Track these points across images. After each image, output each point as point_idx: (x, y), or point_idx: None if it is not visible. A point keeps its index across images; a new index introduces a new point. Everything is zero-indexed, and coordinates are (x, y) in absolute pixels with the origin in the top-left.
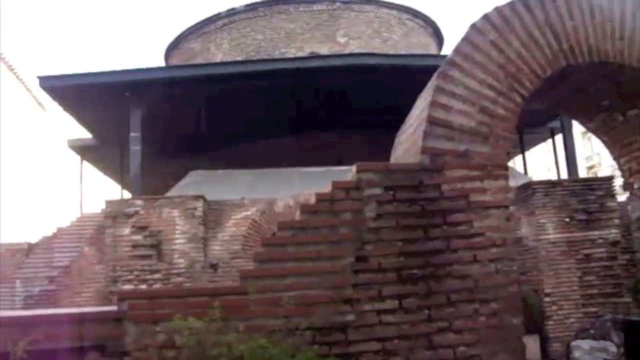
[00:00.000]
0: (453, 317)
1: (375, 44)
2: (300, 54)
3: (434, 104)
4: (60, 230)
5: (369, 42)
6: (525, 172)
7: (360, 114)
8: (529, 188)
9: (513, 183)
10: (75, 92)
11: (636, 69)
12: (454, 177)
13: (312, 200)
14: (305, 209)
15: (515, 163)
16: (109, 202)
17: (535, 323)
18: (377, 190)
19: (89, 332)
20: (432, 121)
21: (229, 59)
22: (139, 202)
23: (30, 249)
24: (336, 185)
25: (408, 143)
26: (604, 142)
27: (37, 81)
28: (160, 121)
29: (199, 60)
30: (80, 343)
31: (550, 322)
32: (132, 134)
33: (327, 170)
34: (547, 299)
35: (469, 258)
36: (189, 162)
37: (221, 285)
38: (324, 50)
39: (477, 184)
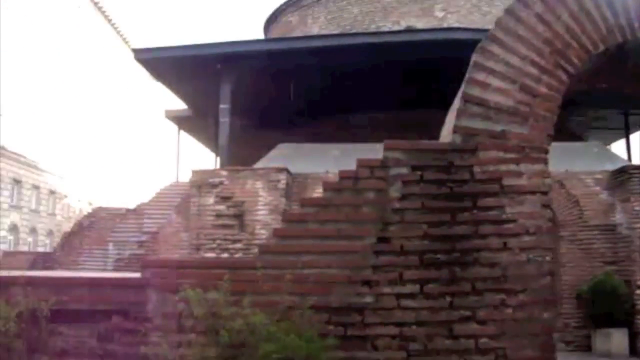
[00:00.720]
0: (477, 306)
1: (474, 18)
2: (396, 28)
3: (470, 81)
4: (152, 197)
5: (467, 16)
6: (629, 157)
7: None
8: (625, 172)
9: (610, 167)
10: (168, 65)
11: None
12: (488, 159)
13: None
14: (328, 186)
15: (615, 146)
16: (195, 172)
17: (625, 316)
18: (404, 170)
19: (113, 297)
20: (467, 99)
21: (325, 32)
22: (223, 172)
23: (127, 214)
24: (361, 163)
25: (449, 123)
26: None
27: (133, 54)
28: (254, 94)
29: (296, 33)
30: (104, 306)
31: None
32: (222, 106)
33: None
34: (638, 291)
35: (498, 245)
36: (282, 134)
37: (242, 258)
38: (420, 24)
39: (513, 167)
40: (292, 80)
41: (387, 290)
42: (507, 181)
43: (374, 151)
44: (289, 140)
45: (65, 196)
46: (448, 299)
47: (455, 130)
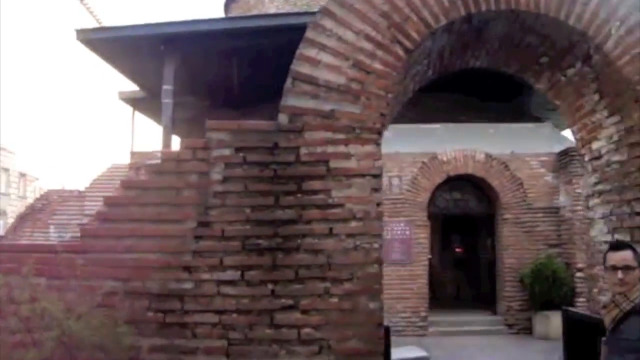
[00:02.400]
0: (300, 294)
1: None
2: None
3: (299, 57)
4: (93, 179)
5: None
6: None
7: None
8: (567, 155)
9: (557, 149)
10: (113, 45)
11: (555, 21)
12: (314, 140)
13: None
14: (151, 168)
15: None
16: (133, 154)
17: (564, 299)
18: (227, 152)
19: None
20: (295, 76)
21: (281, 12)
22: (160, 154)
23: (80, 196)
24: (184, 145)
25: None
26: (558, 107)
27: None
28: (209, 74)
29: (253, 13)
30: None
31: (581, 299)
32: (165, 87)
33: None
34: (578, 274)
35: (323, 231)
36: (241, 115)
37: (62, 243)
38: None
39: (341, 148)
40: (239, 62)
41: (207, 276)
42: (334, 163)
43: None
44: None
45: (37, 179)
46: (270, 286)
47: (282, 109)
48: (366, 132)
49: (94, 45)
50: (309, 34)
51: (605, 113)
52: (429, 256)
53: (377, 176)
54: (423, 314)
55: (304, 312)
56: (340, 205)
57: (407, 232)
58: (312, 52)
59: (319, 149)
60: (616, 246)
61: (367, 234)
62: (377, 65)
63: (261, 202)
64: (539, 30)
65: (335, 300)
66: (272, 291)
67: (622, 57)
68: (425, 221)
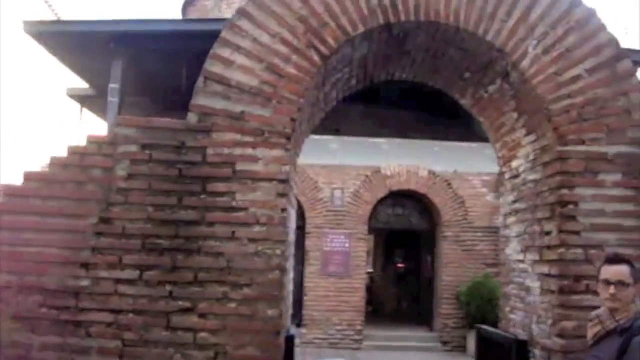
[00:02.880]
0: (198, 298)
1: None
2: None
3: (213, 57)
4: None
5: None
6: None
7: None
8: None
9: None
10: (62, 40)
11: (475, 36)
12: (222, 142)
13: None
14: (55, 161)
15: None
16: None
17: (497, 317)
18: (133, 148)
19: None
20: (207, 76)
21: None
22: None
23: None
24: (90, 139)
25: None
26: (482, 124)
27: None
28: (158, 75)
29: (210, 17)
30: None
31: None
32: (112, 85)
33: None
34: None
35: (225, 234)
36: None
37: None
38: None
39: (249, 151)
40: (186, 64)
41: (105, 274)
42: (240, 166)
43: None
44: None
45: None
46: (168, 288)
47: (192, 108)
48: (275, 136)
49: (42, 38)
50: (225, 34)
51: (523, 132)
52: (370, 270)
53: (284, 181)
54: (359, 327)
55: (202, 316)
56: (245, 209)
57: (347, 245)
58: (226, 53)
59: (226, 151)
60: (612, 260)
61: (270, 240)
62: (291, 70)
63: (164, 201)
64: (460, 45)
65: (233, 305)
66: (170, 293)
67: (537, 76)
68: (366, 235)
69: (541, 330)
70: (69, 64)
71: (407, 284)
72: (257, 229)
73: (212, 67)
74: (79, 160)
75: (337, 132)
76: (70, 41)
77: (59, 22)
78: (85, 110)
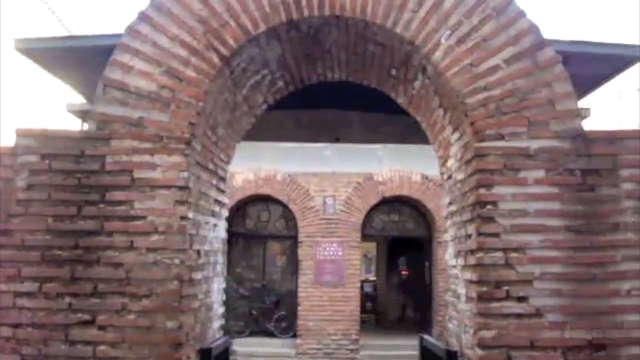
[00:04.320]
0: (98, 309)
1: None
2: None
3: (112, 63)
4: None
5: None
6: None
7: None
8: None
9: None
10: (54, 56)
11: (384, 28)
12: (121, 149)
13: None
14: None
15: None
16: None
17: None
18: (33, 158)
19: None
20: (106, 83)
21: None
22: None
23: None
24: None
25: None
26: (420, 123)
27: (13, 44)
28: None
29: None
30: None
31: None
32: None
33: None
34: None
35: (124, 244)
36: None
37: None
38: None
39: (147, 158)
40: None
41: (4, 287)
42: (138, 173)
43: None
44: None
45: None
46: (67, 300)
47: (91, 116)
48: (174, 141)
49: (35, 55)
50: (124, 39)
51: (450, 129)
52: (372, 278)
53: (183, 188)
54: (354, 336)
55: (101, 328)
56: (143, 218)
57: (340, 253)
58: (125, 58)
59: (124, 158)
60: None
61: (168, 249)
62: (190, 73)
63: (64, 211)
64: (376, 40)
65: (132, 317)
66: (69, 305)
67: (450, 68)
68: (359, 242)
69: (466, 340)
70: (65, 80)
71: (412, 291)
72: (155, 237)
73: (111, 73)
74: None
75: (337, 140)
76: (65, 57)
77: (52, 39)
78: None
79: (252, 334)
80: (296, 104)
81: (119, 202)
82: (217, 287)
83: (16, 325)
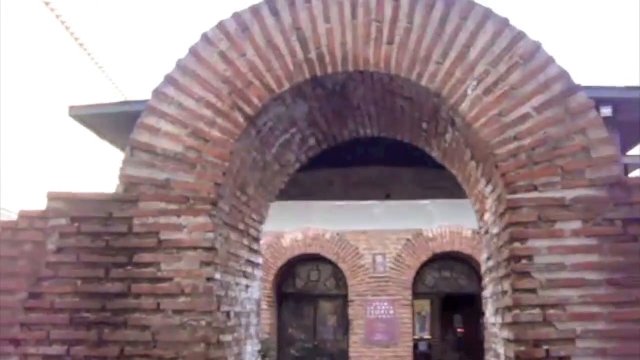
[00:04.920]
0: None
1: None
2: None
3: (139, 126)
4: None
5: None
6: None
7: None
8: None
9: None
10: (105, 120)
11: (409, 82)
12: (148, 211)
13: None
14: None
15: None
16: None
17: None
18: (63, 221)
19: None
20: (133, 146)
21: None
22: None
23: None
24: (22, 214)
25: None
26: (457, 177)
27: (68, 110)
28: None
29: None
30: None
31: None
32: None
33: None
34: None
35: (151, 306)
36: None
37: None
38: None
39: (173, 219)
40: None
41: (33, 350)
42: (165, 235)
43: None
44: None
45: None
46: None
47: (120, 179)
48: (200, 202)
49: (88, 121)
50: (152, 102)
51: (484, 182)
52: (427, 336)
53: (209, 249)
54: None
55: None
56: (169, 280)
57: (391, 312)
58: (152, 121)
59: (151, 220)
60: None
61: (194, 311)
62: (216, 133)
63: (92, 274)
64: (403, 94)
65: None
66: None
67: (479, 119)
68: (410, 300)
69: None
70: (112, 142)
71: (468, 349)
72: (181, 299)
73: (138, 136)
74: (11, 236)
75: (387, 197)
76: (113, 121)
77: (101, 105)
78: None
79: None
80: (345, 161)
81: (147, 264)
82: (251, 349)
83: None
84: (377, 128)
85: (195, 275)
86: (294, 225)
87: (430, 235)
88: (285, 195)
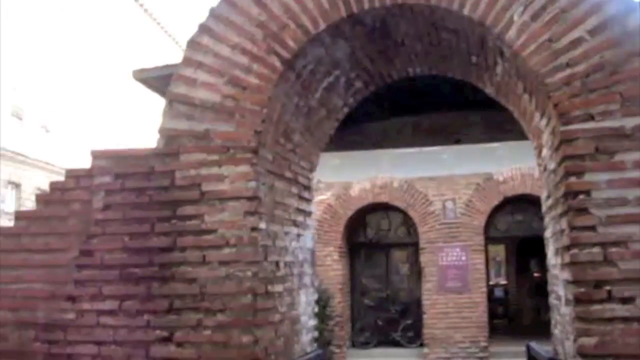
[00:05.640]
0: (175, 326)
1: None
2: None
3: (176, 78)
4: None
5: None
6: None
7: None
8: None
9: None
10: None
11: (450, 12)
12: (189, 163)
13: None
14: (40, 198)
15: None
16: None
17: None
18: (107, 179)
19: None
20: (172, 98)
21: None
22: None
23: None
24: (69, 173)
25: None
26: (512, 114)
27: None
28: None
29: None
30: None
31: None
32: None
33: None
34: None
35: (197, 258)
36: None
37: None
38: None
39: (214, 170)
40: None
41: (87, 306)
42: (206, 186)
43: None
44: None
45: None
46: (145, 317)
47: (159, 132)
48: (240, 151)
49: (151, 83)
50: (187, 52)
51: (538, 115)
52: (503, 282)
53: (252, 198)
54: (483, 344)
55: (179, 344)
56: (213, 231)
57: (464, 258)
58: (188, 72)
59: (192, 172)
60: None
61: (240, 262)
62: (252, 80)
63: (138, 229)
64: (447, 26)
65: (208, 332)
66: (148, 322)
67: (527, 46)
68: (483, 246)
69: (569, 347)
70: None
71: (545, 294)
72: (226, 250)
73: (175, 88)
74: (59, 196)
75: (457, 142)
76: None
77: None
78: None
79: (379, 344)
80: (414, 109)
81: (190, 217)
82: (306, 299)
83: (100, 343)
84: (426, 65)
85: (239, 225)
86: (362, 175)
87: (501, 178)
88: (354, 145)
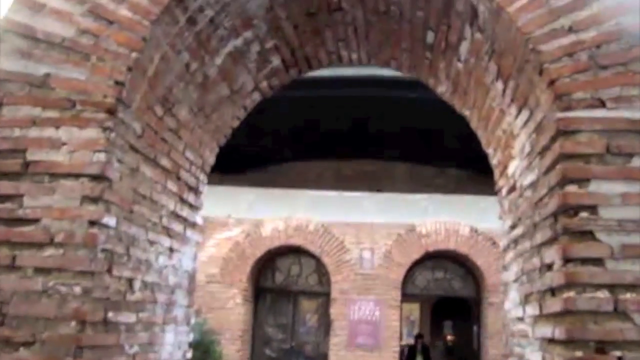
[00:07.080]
0: None
1: None
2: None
3: (17, 2)
4: None
5: None
6: None
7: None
8: None
9: None
10: None
11: None
12: (14, 119)
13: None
14: None
15: None
16: None
17: None
18: None
19: None
20: (7, 27)
21: None
22: None
23: None
24: None
25: None
26: (470, 121)
27: None
28: None
29: None
30: None
31: None
32: None
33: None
34: None
35: (4, 260)
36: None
37: None
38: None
39: (49, 132)
40: None
41: None
42: (33, 154)
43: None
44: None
45: None
46: None
47: None
48: (90, 109)
49: None
50: None
51: (513, 110)
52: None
53: (98, 178)
54: None
55: None
56: (34, 221)
57: (377, 314)
58: None
59: (17, 132)
60: None
61: (67, 271)
62: (124, 11)
63: None
64: None
65: None
66: None
67: (514, 0)
68: (398, 302)
69: None
70: None
71: (458, 358)
72: (49, 252)
73: (13, 13)
74: None
75: (378, 191)
76: None
77: None
78: None
79: None
80: (337, 154)
81: (3, 197)
82: (174, 339)
83: None
84: (366, 49)
85: (73, 215)
86: (276, 214)
87: (424, 230)
88: (269, 184)
